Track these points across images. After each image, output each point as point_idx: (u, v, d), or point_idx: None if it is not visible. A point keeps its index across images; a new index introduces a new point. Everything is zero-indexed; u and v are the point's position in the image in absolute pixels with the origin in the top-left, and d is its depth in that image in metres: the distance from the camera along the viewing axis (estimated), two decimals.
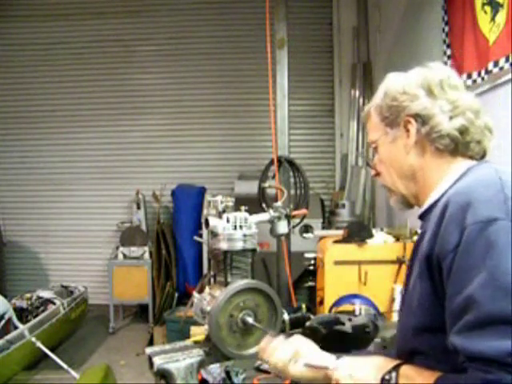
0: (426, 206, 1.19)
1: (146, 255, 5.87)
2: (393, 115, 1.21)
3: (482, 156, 1.19)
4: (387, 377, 1.04)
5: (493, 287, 0.88)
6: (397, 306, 2.91)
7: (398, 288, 3.00)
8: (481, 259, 0.91)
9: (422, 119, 1.16)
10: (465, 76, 3.14)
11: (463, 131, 1.14)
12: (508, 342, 0.84)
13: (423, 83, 1.18)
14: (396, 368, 1.04)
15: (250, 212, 1.69)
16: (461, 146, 1.15)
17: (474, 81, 3.09)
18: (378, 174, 1.31)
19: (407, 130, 1.19)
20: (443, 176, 1.16)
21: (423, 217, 1.20)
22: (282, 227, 1.81)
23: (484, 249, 0.91)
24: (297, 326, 1.69)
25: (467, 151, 1.16)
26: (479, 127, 1.17)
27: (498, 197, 0.97)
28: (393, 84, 1.24)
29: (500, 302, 0.87)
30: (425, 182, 1.19)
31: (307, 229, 4.23)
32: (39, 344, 4.12)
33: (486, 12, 2.93)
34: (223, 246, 1.60)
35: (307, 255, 4.14)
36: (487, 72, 2.93)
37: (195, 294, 1.69)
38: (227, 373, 1.69)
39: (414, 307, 1.10)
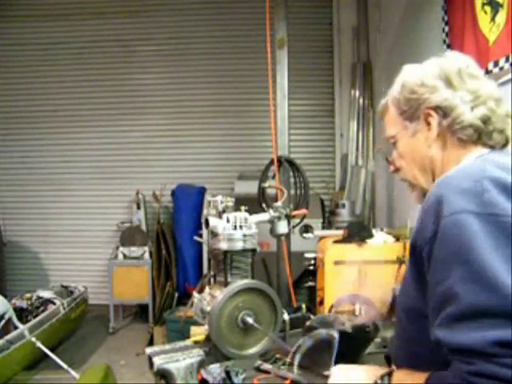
0: None
1: (146, 255, 5.87)
2: (412, 108, 1.19)
3: (503, 145, 1.17)
4: (379, 381, 1.07)
5: (471, 280, 0.88)
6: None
7: (398, 288, 3.00)
8: (456, 251, 0.92)
9: (442, 111, 1.14)
10: None
11: (486, 121, 1.12)
12: (489, 333, 0.85)
13: (441, 74, 1.16)
14: (389, 373, 1.07)
15: (250, 212, 1.70)
16: (484, 135, 1.13)
17: None
18: (397, 170, 1.28)
19: (428, 123, 1.16)
20: (458, 165, 1.13)
21: None
22: (282, 227, 1.81)
23: (459, 241, 0.91)
24: (297, 325, 1.69)
25: (489, 140, 1.14)
26: (501, 116, 1.15)
27: (475, 188, 0.95)
28: (410, 76, 1.20)
29: (479, 295, 0.87)
30: (442, 173, 1.15)
31: (307, 229, 4.23)
32: (39, 344, 4.12)
33: (486, 12, 2.93)
34: (223, 246, 1.60)
35: (307, 255, 4.14)
36: (487, 72, 2.92)
37: (195, 294, 1.69)
38: (227, 373, 1.69)
39: (406, 291, 1.12)
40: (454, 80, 1.14)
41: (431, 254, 0.97)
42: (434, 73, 1.16)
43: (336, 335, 1.51)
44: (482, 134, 1.13)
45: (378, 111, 1.32)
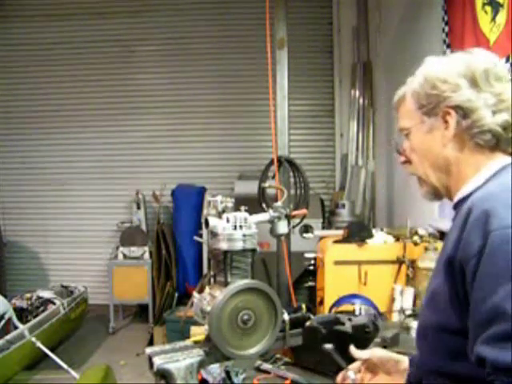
0: (456, 199, 1.15)
1: (146, 255, 5.87)
2: (431, 104, 1.13)
3: None
4: None
5: None
6: (397, 305, 2.91)
7: (398, 288, 3.00)
8: (505, 267, 0.88)
9: (463, 112, 1.09)
10: None
11: (506, 127, 1.08)
12: None
13: (466, 72, 1.09)
14: None
15: (250, 212, 1.69)
16: (503, 142, 1.09)
17: None
18: (407, 162, 1.23)
19: (446, 122, 1.12)
20: (478, 171, 1.10)
21: (456, 208, 1.15)
22: (282, 227, 1.80)
23: (508, 256, 0.88)
24: (297, 325, 1.68)
25: (508, 147, 1.10)
26: None
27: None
28: (433, 70, 1.14)
29: None
30: (459, 176, 1.13)
31: (307, 229, 4.23)
32: (39, 344, 4.12)
33: (486, 12, 2.93)
34: (223, 246, 1.60)
35: (307, 255, 4.14)
36: None
37: (195, 294, 1.68)
38: (227, 373, 1.69)
39: (435, 306, 1.07)
40: (480, 80, 1.08)
41: (477, 268, 0.93)
42: (460, 70, 1.10)
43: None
44: (500, 141, 1.09)
45: (394, 101, 1.26)
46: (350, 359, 1.44)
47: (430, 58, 1.18)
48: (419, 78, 1.16)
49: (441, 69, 1.13)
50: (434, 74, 1.13)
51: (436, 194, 1.21)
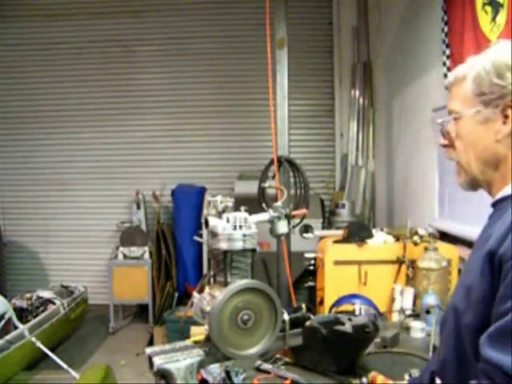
0: (499, 195, 1.10)
1: (146, 255, 5.87)
2: (494, 94, 1.03)
3: None
4: None
5: None
6: (397, 306, 2.91)
7: (398, 288, 3.00)
8: None
9: None
10: None
11: None
12: None
13: None
14: None
15: (250, 212, 1.69)
16: None
17: None
18: (449, 146, 1.16)
19: (505, 116, 1.03)
20: None
21: (495, 205, 1.11)
22: (282, 227, 1.80)
23: None
24: (297, 325, 1.68)
25: None
26: None
27: None
28: (504, 57, 1.03)
29: None
30: (507, 173, 1.06)
31: (307, 229, 4.24)
32: (39, 344, 4.12)
33: (486, 12, 2.93)
34: (223, 246, 1.60)
35: (307, 255, 4.13)
36: None
37: (195, 294, 1.68)
38: (227, 373, 1.69)
39: (472, 302, 1.02)
40: None
41: None
42: None
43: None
44: None
45: (450, 78, 1.15)
46: (351, 360, 1.44)
47: (504, 42, 1.08)
48: (485, 62, 1.06)
49: None
50: (504, 62, 1.02)
51: (474, 186, 1.15)
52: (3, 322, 4.10)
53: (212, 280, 1.73)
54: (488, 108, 1.05)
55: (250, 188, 4.62)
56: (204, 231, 4.75)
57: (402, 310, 2.73)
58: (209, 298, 1.59)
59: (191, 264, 6.01)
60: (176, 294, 5.55)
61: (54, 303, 4.95)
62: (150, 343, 5.01)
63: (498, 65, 1.03)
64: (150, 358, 1.52)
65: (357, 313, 2.46)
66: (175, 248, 6.01)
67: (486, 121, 1.06)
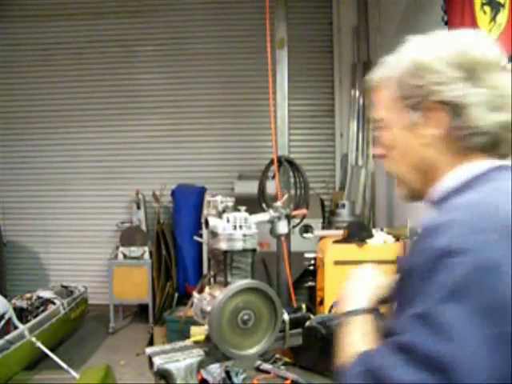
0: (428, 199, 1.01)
1: (146, 255, 5.87)
2: (416, 96, 0.95)
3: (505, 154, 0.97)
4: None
5: (428, 323, 0.76)
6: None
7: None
8: (429, 289, 0.78)
9: (453, 109, 0.91)
10: None
11: (505, 127, 0.92)
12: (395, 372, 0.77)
13: (462, 61, 0.91)
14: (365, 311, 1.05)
15: (250, 212, 1.69)
16: (498, 144, 0.93)
17: None
18: (382, 156, 1.06)
19: (431, 119, 0.94)
20: (458, 179, 0.94)
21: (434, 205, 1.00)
22: (282, 227, 1.80)
23: (439, 279, 0.77)
24: (297, 326, 1.68)
25: (499, 150, 0.94)
26: None
27: (476, 224, 0.79)
28: (423, 56, 0.95)
29: (426, 338, 0.76)
30: (435, 179, 0.97)
31: (307, 229, 4.24)
32: (39, 344, 4.12)
33: (485, 12, 2.93)
34: (223, 246, 1.60)
35: (307, 255, 4.14)
36: None
37: (195, 294, 1.68)
38: (227, 373, 1.70)
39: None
40: (477, 72, 0.91)
41: (408, 278, 0.86)
42: (453, 58, 0.92)
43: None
44: (497, 143, 0.93)
45: (370, 82, 1.06)
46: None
47: (416, 39, 1.01)
48: (406, 62, 0.97)
49: (432, 55, 0.94)
50: (424, 61, 0.94)
51: (415, 198, 1.05)
52: (3, 322, 4.10)
53: (212, 280, 1.73)
54: (413, 112, 0.96)
55: (250, 188, 4.63)
56: (204, 231, 4.74)
57: None
58: (209, 298, 1.59)
59: (191, 264, 6.01)
60: (176, 294, 5.55)
61: (54, 303, 4.95)
62: (150, 343, 5.01)
63: (419, 64, 0.95)
64: (149, 358, 1.52)
65: None
66: (175, 248, 6.01)
67: (414, 126, 0.96)
